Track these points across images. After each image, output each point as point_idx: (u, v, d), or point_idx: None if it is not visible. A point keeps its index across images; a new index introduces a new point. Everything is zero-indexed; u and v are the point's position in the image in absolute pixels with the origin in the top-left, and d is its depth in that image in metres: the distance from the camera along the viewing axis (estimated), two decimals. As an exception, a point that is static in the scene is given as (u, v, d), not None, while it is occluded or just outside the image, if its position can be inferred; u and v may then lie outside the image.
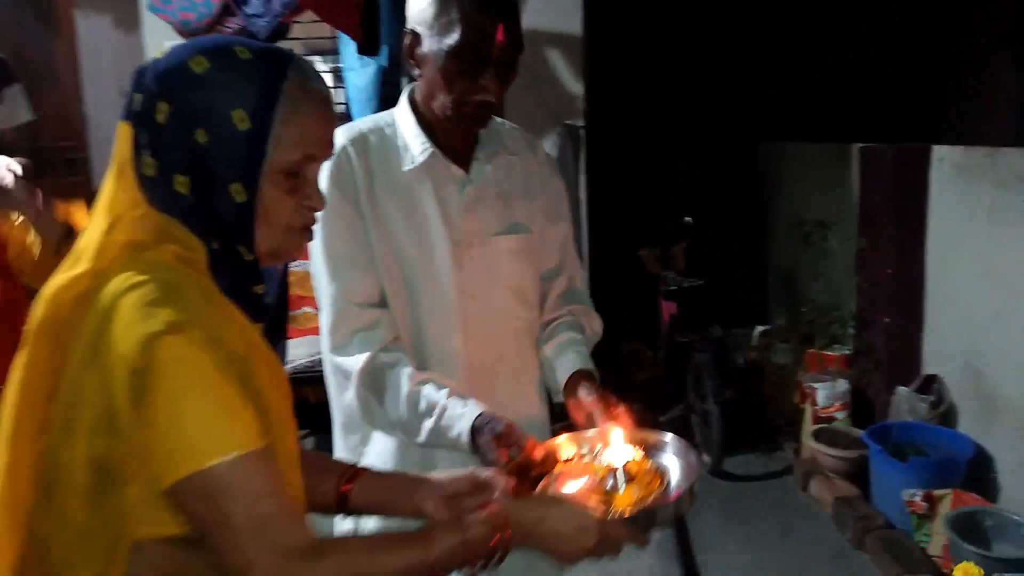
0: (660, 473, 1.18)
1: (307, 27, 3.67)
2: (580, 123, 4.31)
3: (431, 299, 1.46)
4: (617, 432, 1.26)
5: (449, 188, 1.46)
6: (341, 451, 1.55)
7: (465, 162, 1.48)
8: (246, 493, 0.84)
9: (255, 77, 0.92)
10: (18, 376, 0.89)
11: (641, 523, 1.05)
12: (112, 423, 0.83)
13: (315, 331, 3.89)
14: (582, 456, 1.25)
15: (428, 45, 1.36)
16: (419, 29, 1.37)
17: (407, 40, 1.39)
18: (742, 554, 3.15)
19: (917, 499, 2.91)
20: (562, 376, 1.49)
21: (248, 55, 0.93)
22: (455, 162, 1.47)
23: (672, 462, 1.21)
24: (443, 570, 0.95)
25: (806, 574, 3.01)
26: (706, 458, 3.89)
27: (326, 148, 0.99)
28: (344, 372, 1.42)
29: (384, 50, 3.27)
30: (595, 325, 1.61)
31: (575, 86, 4.31)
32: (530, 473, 1.20)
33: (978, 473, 3.04)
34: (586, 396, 1.40)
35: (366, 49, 3.08)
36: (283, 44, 3.61)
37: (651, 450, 1.23)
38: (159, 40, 4.01)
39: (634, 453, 1.21)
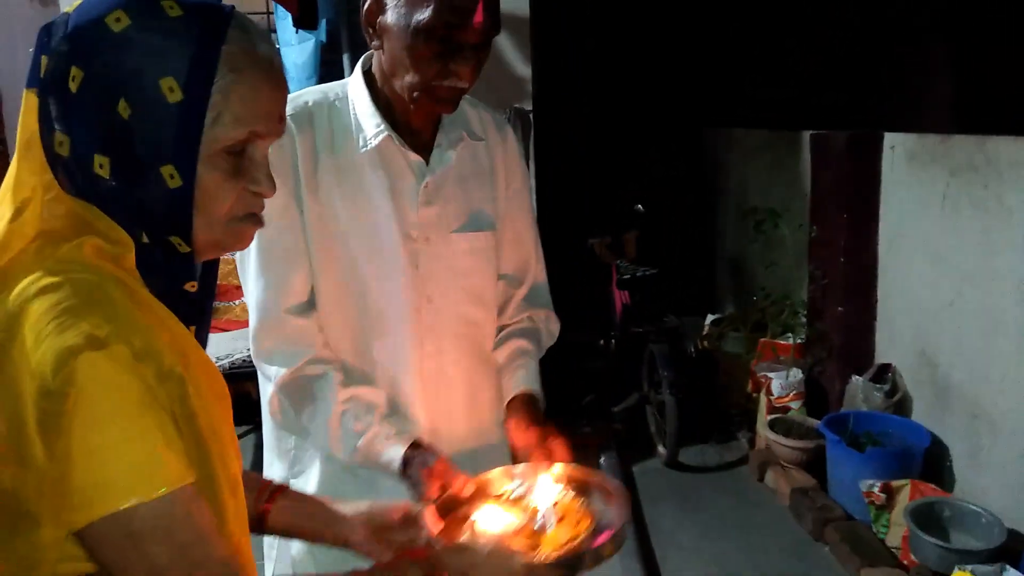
0: (590, 513, 1.11)
1: (238, 0, 3.46)
2: (528, 107, 4.20)
3: (381, 300, 1.31)
4: (548, 469, 1.19)
5: (405, 177, 1.30)
6: (272, 451, 1.41)
7: (424, 147, 1.32)
8: (174, 537, 0.71)
9: (187, 38, 0.75)
10: None
11: (567, 567, 0.99)
12: (20, 452, 0.69)
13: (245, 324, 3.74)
14: (511, 493, 1.18)
15: (394, 16, 1.19)
16: None
17: (366, 3, 1.22)
18: (700, 547, 3.10)
19: (875, 490, 2.88)
20: (506, 394, 1.38)
21: (178, 11, 0.75)
22: (413, 147, 1.30)
23: (601, 501, 1.14)
24: None
25: (765, 566, 2.97)
26: (661, 449, 3.84)
27: (276, 124, 0.83)
28: (266, 378, 1.30)
29: (323, 24, 3.10)
30: (552, 327, 1.51)
31: (523, 69, 4.20)
32: (457, 510, 1.12)
33: (934, 463, 3.04)
34: (524, 425, 1.29)
35: (303, 23, 2.91)
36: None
37: (582, 487, 1.16)
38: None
39: (564, 492, 1.15)
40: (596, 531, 1.05)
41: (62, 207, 0.77)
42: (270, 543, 1.40)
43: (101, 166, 0.75)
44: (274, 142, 0.89)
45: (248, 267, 1.28)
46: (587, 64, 5.74)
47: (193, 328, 0.85)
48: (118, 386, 0.70)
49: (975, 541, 2.62)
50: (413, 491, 1.17)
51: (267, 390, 1.30)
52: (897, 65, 4.17)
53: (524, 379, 1.37)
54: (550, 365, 1.51)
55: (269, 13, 3.73)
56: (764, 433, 3.62)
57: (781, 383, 3.65)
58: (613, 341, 4.65)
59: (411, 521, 1.08)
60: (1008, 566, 2.43)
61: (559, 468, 1.18)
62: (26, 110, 0.77)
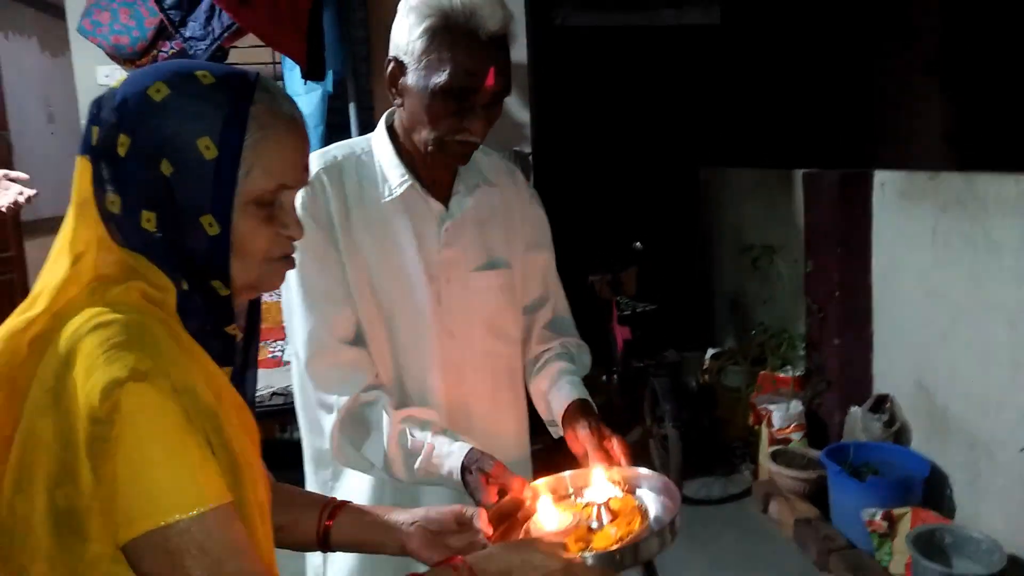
0: (642, 511, 1.17)
1: (246, 52, 3.57)
2: (527, 150, 4.32)
3: (408, 335, 1.40)
4: (601, 470, 1.25)
5: (427, 222, 1.41)
6: (312, 486, 1.48)
7: (444, 194, 1.42)
8: (210, 552, 0.77)
9: (220, 102, 0.85)
10: None
11: (616, 562, 1.04)
12: (72, 475, 0.77)
13: (269, 364, 3.78)
14: (568, 495, 1.25)
15: (413, 78, 1.29)
16: (404, 59, 1.30)
17: (389, 67, 1.33)
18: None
19: (877, 518, 2.94)
20: (558, 408, 1.44)
21: (211, 79, 0.86)
22: (433, 194, 1.41)
23: (653, 498, 1.21)
24: None
25: (771, 598, 3.01)
26: (665, 483, 3.88)
27: (301, 174, 0.94)
28: (325, 407, 1.35)
29: (329, 75, 3.22)
30: (585, 357, 1.57)
31: (522, 113, 4.32)
32: (516, 513, 1.18)
33: (934, 490, 3.10)
34: (582, 430, 1.36)
35: (312, 74, 3.02)
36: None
37: (635, 487, 1.23)
38: (90, 64, 3.87)
39: (617, 491, 1.21)
40: (649, 529, 1.11)
41: (112, 256, 0.86)
42: (314, 563, 1.47)
43: (148, 220, 0.85)
44: (306, 192, 0.98)
45: (294, 308, 1.36)
46: (584, 107, 5.89)
47: (229, 369, 0.92)
48: (159, 413, 0.78)
49: (976, 566, 2.66)
50: (473, 496, 1.22)
51: (325, 425, 1.35)
52: (886, 105, 4.33)
53: (572, 392, 1.44)
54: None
55: (276, 63, 3.85)
56: (766, 465, 3.68)
57: (781, 415, 3.72)
58: (615, 376, 4.71)
59: (466, 525, 1.14)
60: (1010, 590, 2.48)
61: (613, 468, 1.24)
62: (79, 175, 0.87)
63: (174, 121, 0.84)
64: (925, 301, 3.19)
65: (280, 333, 3.89)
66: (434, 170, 1.40)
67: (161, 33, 3.24)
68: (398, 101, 1.35)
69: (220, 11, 2.72)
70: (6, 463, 0.80)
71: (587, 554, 1.03)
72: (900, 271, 3.39)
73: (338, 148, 1.43)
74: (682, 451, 3.72)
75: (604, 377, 4.92)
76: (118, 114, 0.85)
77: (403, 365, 1.41)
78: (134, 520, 0.76)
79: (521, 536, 1.15)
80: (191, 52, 2.85)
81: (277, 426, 3.52)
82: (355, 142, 1.44)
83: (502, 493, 1.20)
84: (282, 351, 3.86)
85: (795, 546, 3.30)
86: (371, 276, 1.38)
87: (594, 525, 1.14)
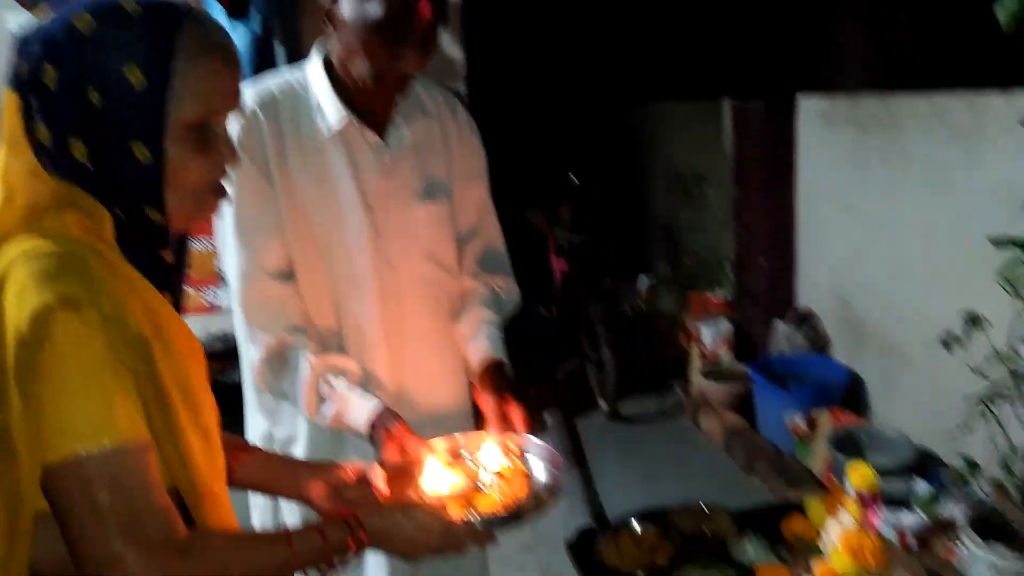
0: (529, 478, 1.23)
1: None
2: (461, 87, 4.31)
3: (346, 267, 1.44)
4: (497, 436, 1.32)
5: (365, 154, 1.43)
6: (255, 411, 1.53)
7: (381, 124, 1.44)
8: (119, 483, 0.80)
9: (147, 31, 0.86)
10: None
11: (491, 527, 1.11)
12: (3, 396, 0.80)
13: (203, 310, 3.75)
14: (461, 457, 1.30)
15: (348, 10, 1.31)
16: None
17: None
18: (643, 487, 3.30)
19: (799, 423, 3.13)
20: (473, 362, 1.50)
21: (138, 10, 0.86)
22: (371, 126, 1.43)
23: (539, 468, 1.27)
24: (301, 567, 0.97)
25: (703, 499, 3.18)
26: (603, 403, 4.04)
27: (232, 100, 0.94)
28: (252, 340, 1.40)
29: (257, 17, 3.15)
30: (514, 296, 1.63)
31: (455, 51, 4.30)
32: (412, 472, 1.24)
33: (852, 395, 3.31)
34: (487, 394, 1.42)
35: (235, 12, 2.96)
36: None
37: (525, 456, 1.29)
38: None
39: (506, 460, 1.27)
40: (531, 497, 1.17)
41: (45, 187, 0.87)
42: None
43: (78, 150, 0.86)
44: (240, 126, 0.98)
45: (227, 241, 1.39)
46: (517, 44, 5.85)
47: (168, 295, 0.95)
48: (85, 343, 0.80)
49: (889, 460, 2.88)
50: (376, 449, 1.29)
51: (251, 354, 1.40)
52: (806, 33, 4.42)
53: (488, 347, 1.49)
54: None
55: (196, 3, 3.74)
56: (697, 380, 3.86)
57: (711, 334, 3.89)
58: (554, 308, 4.83)
59: (364, 480, 1.19)
60: (917, 478, 2.69)
61: (507, 436, 1.31)
62: (8, 108, 0.88)
63: (100, 51, 0.85)
64: (845, 219, 3.35)
65: (213, 279, 3.87)
66: (371, 101, 1.41)
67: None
68: (334, 32, 1.36)
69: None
70: None
71: (471, 517, 1.10)
72: (822, 192, 3.54)
73: (273, 81, 1.43)
74: (618, 373, 3.87)
75: (543, 310, 5.04)
76: (44, 47, 0.85)
77: (342, 295, 1.44)
78: (50, 448, 0.79)
79: (412, 495, 1.21)
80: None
81: (216, 369, 3.51)
82: (291, 74, 1.45)
83: (401, 451, 1.26)
84: (215, 296, 3.84)
85: (724, 454, 3.50)
86: (307, 209, 1.40)
87: (483, 488, 1.21)
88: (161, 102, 0.86)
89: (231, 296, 1.42)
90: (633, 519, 1.74)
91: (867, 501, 1.25)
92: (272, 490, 1.23)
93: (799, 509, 1.42)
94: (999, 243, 2.05)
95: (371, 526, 1.02)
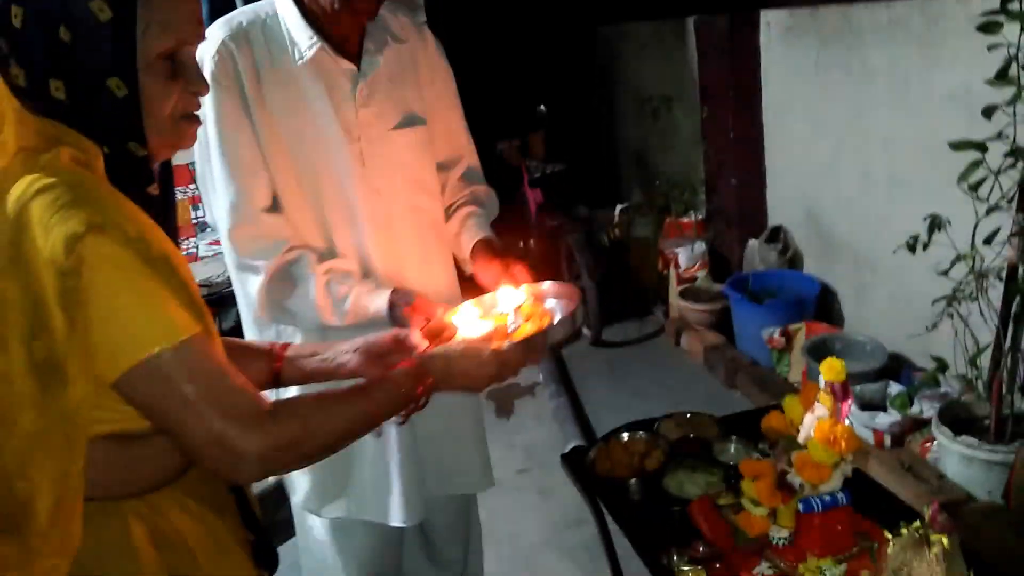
0: (549, 312, 1.35)
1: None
2: (422, 19, 4.25)
3: (334, 196, 1.48)
4: (511, 288, 1.41)
5: (341, 84, 1.45)
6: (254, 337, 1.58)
7: (353, 53, 1.46)
8: (198, 372, 0.87)
9: None
10: None
11: (533, 346, 1.22)
12: (46, 326, 0.83)
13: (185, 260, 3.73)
14: (486, 310, 1.40)
15: None
16: None
17: None
18: (629, 405, 3.41)
19: (775, 336, 3.24)
20: (466, 246, 1.58)
21: None
22: (343, 55, 1.44)
23: (556, 303, 1.39)
24: (382, 418, 1.07)
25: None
26: (586, 331, 4.13)
27: (197, 28, 0.97)
28: (251, 270, 1.44)
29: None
30: (493, 201, 1.70)
31: (414, -20, 4.23)
32: (441, 333, 1.32)
33: (825, 306, 3.42)
34: (488, 261, 1.51)
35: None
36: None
37: (541, 297, 1.40)
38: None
39: (526, 299, 1.38)
40: (553, 322, 1.28)
41: (32, 127, 0.89)
42: None
43: (57, 88, 0.88)
44: (214, 61, 1.00)
45: (214, 179, 1.42)
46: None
47: (161, 226, 0.98)
48: (121, 259, 0.84)
49: (863, 365, 3.00)
50: (402, 327, 1.34)
51: (250, 287, 1.45)
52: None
53: (479, 230, 1.58)
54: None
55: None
56: (676, 303, 3.96)
57: (687, 256, 3.98)
58: (531, 241, 4.87)
59: (401, 344, 1.27)
60: (891, 381, 2.82)
61: (521, 285, 1.40)
62: None
63: None
64: (811, 134, 3.41)
65: (191, 231, 3.87)
66: (342, 28, 1.43)
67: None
68: None
69: None
70: None
71: (507, 344, 1.20)
72: (788, 107, 3.59)
73: (242, 13, 1.44)
74: (599, 300, 3.96)
75: (521, 243, 5.09)
76: None
77: (331, 225, 1.48)
78: (119, 357, 0.84)
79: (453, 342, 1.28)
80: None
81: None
82: (259, 6, 1.46)
83: (427, 319, 1.34)
84: (196, 247, 3.84)
85: (706, 371, 3.62)
86: (288, 141, 1.43)
87: (511, 328, 1.31)
88: (130, 35, 0.89)
89: (221, 233, 1.45)
90: (623, 430, 1.83)
91: (838, 392, 1.33)
92: (319, 376, 1.27)
93: (778, 409, 1.51)
94: (958, 147, 2.12)
95: (434, 368, 1.12)
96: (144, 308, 0.85)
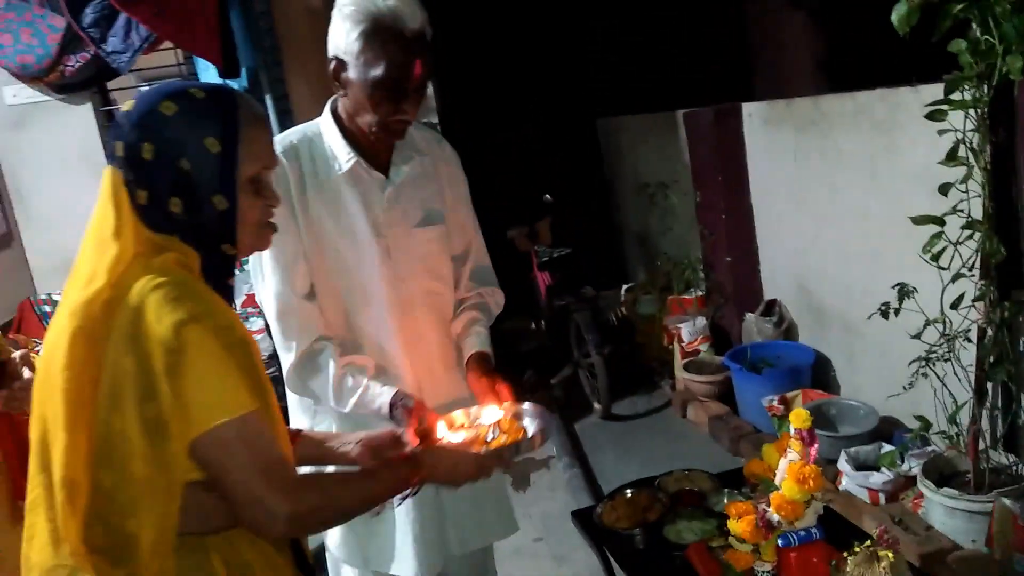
0: (523, 428, 1.58)
1: (152, 57, 3.74)
2: (434, 120, 4.62)
3: (364, 284, 1.73)
4: (493, 404, 1.64)
5: (372, 190, 1.72)
6: (297, 410, 1.82)
7: (384, 165, 1.73)
8: (252, 443, 1.10)
9: (215, 110, 1.17)
10: (62, 376, 1.09)
11: (505, 455, 1.46)
12: (154, 392, 1.06)
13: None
14: (469, 422, 1.63)
15: (354, 73, 1.59)
16: (344, 57, 1.59)
17: (332, 65, 1.62)
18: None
19: (774, 403, 3.41)
20: (464, 353, 1.82)
21: (202, 94, 1.18)
22: (375, 167, 1.72)
23: (531, 421, 1.61)
24: (384, 497, 1.30)
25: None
26: (596, 405, 4.32)
27: (274, 157, 1.28)
28: (286, 349, 1.69)
29: (244, 72, 3.45)
30: (499, 299, 1.94)
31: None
32: (430, 437, 1.56)
33: (820, 374, 3.61)
34: (478, 378, 1.73)
35: (228, 73, 3.25)
36: (132, 73, 3.69)
37: (519, 415, 1.62)
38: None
39: (504, 415, 1.61)
40: (525, 437, 1.51)
41: (144, 238, 1.15)
42: None
43: (175, 204, 1.16)
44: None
45: (263, 270, 1.68)
46: (483, 73, 6.19)
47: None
48: (212, 345, 1.09)
49: (857, 428, 3.17)
50: (398, 425, 1.58)
51: (285, 364, 1.70)
52: (746, 48, 4.79)
53: (477, 343, 1.80)
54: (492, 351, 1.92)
55: (182, 64, 4.02)
56: (681, 376, 4.15)
57: (689, 331, 4.19)
58: (543, 322, 5.11)
59: (396, 441, 1.52)
60: (883, 443, 2.98)
61: (501, 403, 1.63)
62: (108, 181, 1.15)
63: (185, 128, 1.15)
64: (795, 212, 3.67)
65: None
66: (375, 146, 1.71)
67: (65, 48, 3.38)
68: (342, 92, 1.65)
69: (137, 24, 2.92)
70: (98, 394, 1.08)
71: (484, 451, 1.45)
72: (772, 189, 3.87)
73: (293, 133, 1.73)
74: (608, 376, 4.16)
75: (533, 325, 5.32)
76: (138, 129, 1.14)
77: (360, 310, 1.73)
78: (198, 423, 1.07)
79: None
80: (115, 64, 3.04)
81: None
82: (307, 127, 1.75)
83: (420, 422, 1.57)
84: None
85: (711, 440, 3.79)
86: (327, 238, 1.70)
87: (490, 438, 1.54)
88: (233, 162, 1.17)
89: (268, 315, 1.71)
90: (627, 487, 2.02)
91: (806, 438, 1.53)
92: (324, 461, 1.51)
93: (759, 457, 1.71)
94: (918, 221, 2.36)
95: (426, 462, 1.33)
96: (221, 384, 1.09)
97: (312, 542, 1.88)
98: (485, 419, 1.60)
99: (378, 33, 1.54)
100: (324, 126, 1.72)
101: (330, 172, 1.70)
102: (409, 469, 1.31)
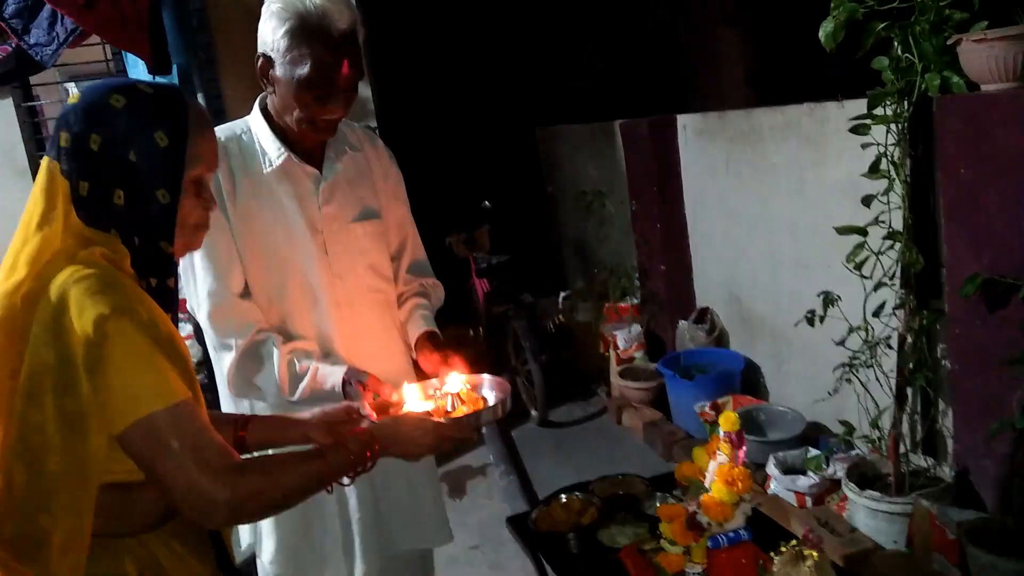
0: (483, 397, 1.59)
1: (79, 52, 3.62)
2: (373, 124, 4.57)
3: (298, 283, 1.70)
4: (452, 374, 1.63)
5: (306, 185, 1.69)
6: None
7: (317, 161, 1.71)
8: (185, 433, 1.07)
9: (165, 106, 1.16)
10: None
11: (468, 423, 1.45)
12: (74, 387, 1.03)
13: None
14: (428, 394, 1.62)
15: (281, 71, 1.57)
16: (271, 55, 1.57)
17: (259, 62, 1.60)
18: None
19: (706, 409, 3.49)
20: (412, 336, 1.81)
21: (150, 90, 1.17)
22: (308, 162, 1.69)
23: (490, 392, 1.62)
24: (334, 477, 1.27)
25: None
26: (533, 412, 4.33)
27: (216, 162, 1.27)
28: (225, 348, 1.65)
29: (175, 68, 3.36)
30: (439, 293, 1.94)
31: (363, 89, 4.57)
32: (388, 410, 1.53)
33: (750, 380, 3.70)
34: (430, 352, 1.73)
35: (158, 69, 3.16)
36: (57, 69, 3.57)
37: (478, 387, 1.63)
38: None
39: (464, 385, 1.60)
40: (486, 407, 1.51)
41: (73, 231, 1.12)
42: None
43: (119, 196, 1.13)
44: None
45: (195, 269, 1.64)
46: (422, 78, 6.18)
47: (169, 314, 1.20)
48: (135, 337, 1.06)
49: (784, 433, 3.25)
50: (354, 402, 1.55)
51: (224, 363, 1.65)
52: (681, 61, 4.89)
53: (424, 323, 1.80)
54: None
55: (109, 60, 3.91)
56: (616, 382, 4.20)
57: (625, 338, 4.24)
58: (480, 329, 5.10)
59: (352, 415, 1.48)
60: (810, 448, 3.06)
61: (461, 375, 1.62)
62: (46, 172, 1.12)
63: (135, 120, 1.13)
64: (727, 222, 3.76)
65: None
66: (305, 142, 1.69)
67: (-10, 42, 3.25)
68: (270, 89, 1.63)
69: (62, 16, 2.81)
70: (16, 387, 1.05)
71: (445, 419, 1.43)
72: (706, 199, 3.95)
73: (221, 130, 1.69)
74: (545, 383, 4.18)
75: (471, 331, 5.31)
76: (86, 121, 1.12)
77: (297, 308, 1.70)
78: (125, 414, 1.05)
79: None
80: (38, 57, 2.92)
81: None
82: (235, 124, 1.72)
83: (376, 396, 1.55)
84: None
85: (646, 446, 3.84)
86: (260, 236, 1.66)
87: (449, 408, 1.53)
88: (180, 159, 1.16)
89: (200, 316, 1.66)
90: (561, 492, 2.03)
91: (734, 440, 1.56)
92: (280, 442, 1.47)
93: (689, 460, 1.73)
94: (842, 231, 2.44)
95: (381, 436, 1.30)
96: (148, 374, 1.07)
97: (244, 553, 1.84)
98: (445, 388, 1.59)
99: (304, 31, 1.52)
100: (254, 123, 1.70)
101: (261, 169, 1.67)
102: (362, 445, 1.27)
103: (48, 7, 2.80)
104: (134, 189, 1.13)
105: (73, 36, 2.93)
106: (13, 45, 3.13)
